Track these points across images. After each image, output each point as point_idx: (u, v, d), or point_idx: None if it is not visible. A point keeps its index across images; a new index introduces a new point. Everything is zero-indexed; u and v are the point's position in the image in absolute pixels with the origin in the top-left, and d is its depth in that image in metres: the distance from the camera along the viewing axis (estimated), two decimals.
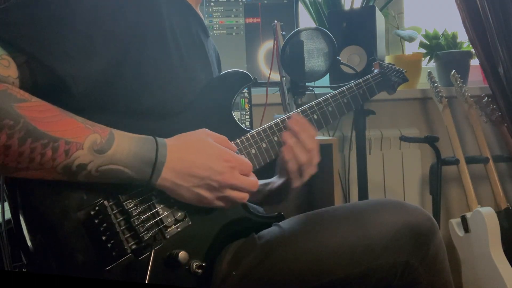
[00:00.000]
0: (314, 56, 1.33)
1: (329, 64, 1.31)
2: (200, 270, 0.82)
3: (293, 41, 1.33)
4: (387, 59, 2.14)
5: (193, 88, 0.91)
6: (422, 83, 2.19)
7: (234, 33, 1.93)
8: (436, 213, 1.88)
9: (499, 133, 2.13)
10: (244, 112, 1.73)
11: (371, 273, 0.86)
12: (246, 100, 1.73)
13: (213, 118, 0.92)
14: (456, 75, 2.02)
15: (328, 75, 1.43)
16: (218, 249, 0.88)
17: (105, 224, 0.76)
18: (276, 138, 0.97)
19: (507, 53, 1.95)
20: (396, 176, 2.10)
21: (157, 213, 0.81)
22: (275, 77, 1.67)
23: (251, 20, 1.93)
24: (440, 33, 2.20)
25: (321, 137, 1.89)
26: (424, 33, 2.21)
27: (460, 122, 2.17)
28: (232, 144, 0.88)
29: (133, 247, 0.78)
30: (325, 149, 1.56)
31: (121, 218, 0.78)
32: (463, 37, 2.17)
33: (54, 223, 0.75)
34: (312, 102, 1.04)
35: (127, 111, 0.82)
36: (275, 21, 1.59)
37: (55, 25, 0.74)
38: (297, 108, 1.07)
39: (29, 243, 0.76)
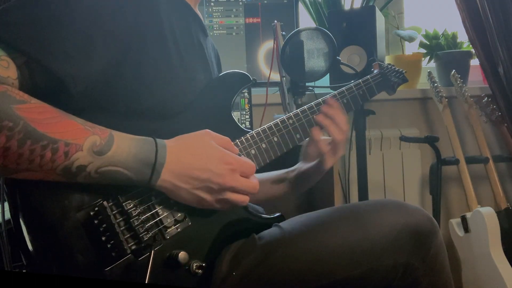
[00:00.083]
0: (314, 56, 1.33)
1: (329, 64, 1.31)
2: (200, 271, 0.82)
3: (293, 41, 1.33)
4: (387, 59, 2.14)
5: (192, 88, 0.91)
6: (422, 83, 2.18)
7: (234, 33, 1.93)
8: (436, 213, 1.88)
9: (499, 133, 2.13)
10: (244, 112, 1.73)
11: (372, 274, 0.86)
12: (246, 100, 1.73)
13: (212, 118, 0.92)
14: (456, 75, 2.02)
15: (328, 75, 1.43)
16: (218, 250, 0.88)
17: (104, 225, 0.76)
18: (276, 139, 0.97)
19: (507, 53, 1.95)
20: (396, 176, 2.10)
21: (157, 214, 0.81)
22: (275, 77, 1.67)
23: (251, 20, 1.93)
24: (440, 33, 2.20)
25: (321, 137, 1.88)
26: (424, 33, 2.21)
27: (460, 122, 2.17)
28: (235, 146, 0.87)
29: (133, 247, 0.78)
30: None
31: (121, 218, 0.78)
32: (463, 37, 2.17)
33: (54, 224, 0.75)
34: (312, 103, 1.04)
35: (127, 111, 0.82)
36: (275, 21, 1.58)
37: (55, 25, 0.74)
38: (297, 109, 1.07)
39: (29, 244, 0.76)
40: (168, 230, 0.82)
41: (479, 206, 1.87)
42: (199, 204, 0.81)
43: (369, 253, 0.86)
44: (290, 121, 1.00)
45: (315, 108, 1.04)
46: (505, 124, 2.05)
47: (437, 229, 0.91)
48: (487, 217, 1.79)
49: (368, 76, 1.15)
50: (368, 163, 1.82)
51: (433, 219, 0.92)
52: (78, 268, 0.75)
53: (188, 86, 0.89)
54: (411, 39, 2.03)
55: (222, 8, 1.92)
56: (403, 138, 1.96)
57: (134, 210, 0.79)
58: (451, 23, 2.24)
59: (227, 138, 0.85)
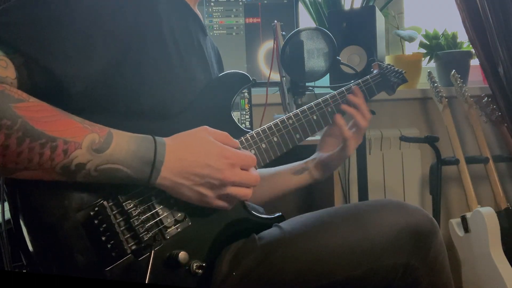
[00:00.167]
0: (314, 56, 1.33)
1: (329, 64, 1.31)
2: (200, 271, 0.82)
3: (293, 41, 1.33)
4: (387, 59, 2.14)
5: (192, 88, 0.91)
6: (422, 83, 2.18)
7: (234, 33, 1.93)
8: (436, 213, 1.88)
9: (499, 133, 2.12)
10: (244, 112, 1.73)
11: (372, 274, 0.86)
12: (246, 100, 1.73)
13: (212, 118, 0.91)
14: (456, 75, 2.02)
15: (328, 75, 1.43)
16: (218, 250, 0.88)
17: (104, 225, 0.76)
18: (275, 139, 0.97)
19: (507, 53, 1.95)
20: (396, 176, 2.10)
21: (157, 214, 0.81)
22: (275, 77, 1.67)
23: (251, 20, 1.93)
24: (440, 33, 2.20)
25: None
26: (424, 33, 2.21)
27: (460, 122, 2.17)
28: (234, 139, 0.87)
29: (133, 247, 0.78)
30: None
31: (121, 218, 0.78)
32: (463, 37, 2.17)
33: (54, 224, 0.75)
34: (312, 103, 1.04)
35: (126, 112, 0.82)
36: (275, 21, 1.59)
37: (54, 25, 0.74)
38: (297, 108, 1.08)
39: (29, 244, 0.75)
40: (168, 230, 0.82)
41: (479, 206, 1.87)
42: (201, 202, 0.81)
43: (369, 253, 0.86)
44: (290, 121, 1.00)
45: (315, 108, 1.04)
46: (505, 124, 2.04)
47: (437, 229, 0.91)
48: (487, 217, 1.79)
49: (368, 77, 1.15)
50: (368, 163, 1.82)
51: (433, 219, 0.92)
52: (78, 268, 0.75)
53: (187, 86, 0.89)
54: (411, 39, 2.03)
55: (222, 8, 1.92)
56: (403, 138, 1.96)
57: (134, 210, 0.79)
58: (451, 23, 2.24)
59: (225, 133, 0.85)
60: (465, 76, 2.15)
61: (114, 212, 0.77)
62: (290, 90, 1.62)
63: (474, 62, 2.18)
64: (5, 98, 0.67)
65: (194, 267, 0.82)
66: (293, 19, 1.93)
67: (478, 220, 1.82)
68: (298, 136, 1.01)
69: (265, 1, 1.93)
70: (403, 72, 1.20)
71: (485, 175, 2.00)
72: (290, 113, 1.01)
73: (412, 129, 2.14)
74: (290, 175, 1.13)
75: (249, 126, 1.72)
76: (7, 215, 0.81)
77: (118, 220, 0.77)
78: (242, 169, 0.83)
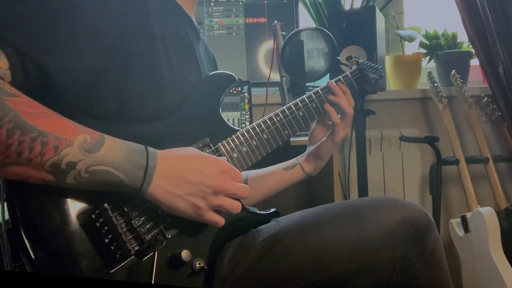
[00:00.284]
0: (314, 56, 1.33)
1: (329, 64, 1.31)
2: (202, 268, 0.82)
3: (293, 41, 1.33)
4: (387, 59, 2.14)
5: (181, 90, 0.91)
6: (422, 83, 2.19)
7: (234, 33, 1.93)
8: (436, 213, 1.88)
9: (499, 133, 2.13)
10: (244, 112, 1.73)
11: (369, 268, 0.87)
12: (246, 100, 1.73)
13: (202, 118, 0.92)
14: (456, 75, 2.02)
15: (328, 75, 1.43)
16: (218, 247, 0.89)
17: (107, 227, 0.76)
18: (265, 136, 0.99)
19: (507, 53, 1.95)
20: (396, 176, 2.10)
21: (157, 214, 0.81)
22: (275, 77, 1.67)
23: (251, 20, 1.93)
24: (440, 33, 2.20)
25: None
26: (424, 33, 2.21)
27: (460, 122, 2.17)
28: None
29: (136, 248, 0.78)
30: None
31: (122, 220, 0.78)
32: (463, 37, 2.17)
33: (55, 230, 0.74)
34: (297, 100, 1.08)
35: (116, 114, 0.82)
36: (275, 21, 1.59)
37: (40, 19, 0.74)
38: None
39: (30, 252, 0.74)
40: (169, 229, 0.82)
41: (479, 206, 1.87)
42: (194, 213, 0.79)
43: (366, 246, 0.87)
44: (277, 118, 1.02)
45: (300, 105, 1.07)
46: (505, 124, 2.05)
47: (433, 224, 0.92)
48: (487, 217, 1.79)
49: (348, 72, 1.17)
50: (368, 163, 1.81)
51: (429, 215, 0.93)
52: (82, 272, 0.75)
53: (176, 88, 0.90)
54: (411, 39, 2.03)
55: (222, 8, 1.92)
56: (403, 138, 1.96)
57: (134, 211, 0.79)
58: (451, 23, 2.24)
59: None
60: (465, 76, 2.15)
61: (115, 214, 0.77)
62: (290, 90, 1.62)
63: (474, 62, 2.18)
64: None
65: (197, 265, 0.82)
66: (293, 19, 1.93)
67: (478, 220, 1.82)
68: (286, 132, 1.03)
69: (265, 1, 1.93)
70: (379, 67, 1.22)
71: (485, 175, 2.00)
72: (277, 111, 1.04)
73: (412, 129, 2.14)
74: (282, 171, 1.15)
75: None
76: (7, 215, 0.81)
77: (119, 222, 0.77)
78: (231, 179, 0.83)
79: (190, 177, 0.78)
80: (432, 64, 2.23)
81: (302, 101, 1.07)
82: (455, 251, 1.92)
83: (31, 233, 0.74)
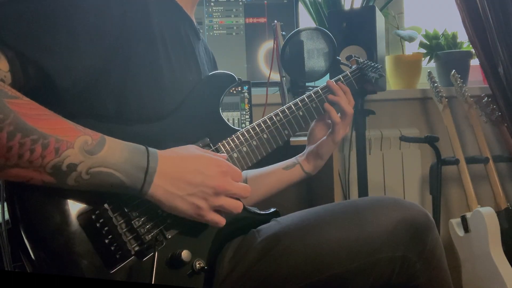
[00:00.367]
0: (314, 56, 1.33)
1: (329, 64, 1.31)
2: (202, 268, 0.82)
3: (293, 41, 1.33)
4: (387, 59, 2.14)
5: (181, 90, 0.91)
6: (422, 83, 2.19)
7: (234, 33, 1.93)
8: (436, 213, 1.88)
9: (499, 133, 2.13)
10: (244, 112, 1.73)
11: (369, 268, 0.87)
12: (246, 100, 1.73)
13: (202, 118, 0.92)
14: (456, 75, 2.02)
15: (328, 75, 1.43)
16: (218, 247, 0.89)
17: (107, 227, 0.76)
18: (265, 136, 0.99)
19: (507, 53, 1.95)
20: (396, 176, 2.10)
21: (156, 214, 0.81)
22: (275, 77, 1.67)
23: (251, 20, 1.93)
24: (440, 33, 2.20)
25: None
26: (424, 33, 2.21)
27: (460, 122, 2.17)
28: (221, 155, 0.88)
29: (136, 248, 0.78)
30: None
31: (122, 220, 0.78)
32: (463, 37, 2.17)
33: (55, 230, 0.74)
34: (297, 99, 1.07)
35: (116, 114, 0.82)
36: (275, 21, 1.59)
37: (41, 20, 0.74)
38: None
39: (31, 253, 0.74)
40: (169, 229, 0.82)
41: (479, 206, 1.87)
42: (196, 214, 0.79)
43: (366, 246, 0.87)
44: (278, 117, 1.02)
45: (300, 104, 1.07)
46: (505, 124, 2.05)
47: (433, 224, 0.92)
48: (487, 217, 1.79)
49: (348, 72, 1.17)
50: (368, 163, 1.81)
51: (429, 214, 0.93)
52: (83, 273, 0.75)
53: (176, 88, 0.90)
54: (411, 39, 2.03)
55: (222, 8, 1.92)
56: (403, 138, 1.96)
57: (134, 211, 0.79)
58: (451, 23, 2.24)
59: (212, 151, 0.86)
60: (465, 76, 2.15)
61: (115, 214, 0.77)
62: (290, 90, 1.62)
63: (474, 62, 2.18)
64: None
65: (197, 266, 0.82)
66: (293, 19, 1.93)
67: (478, 220, 1.82)
68: (286, 132, 1.03)
69: (265, 1, 1.93)
70: (379, 66, 1.22)
71: (485, 175, 2.00)
72: (277, 110, 1.03)
73: (412, 129, 2.14)
74: (282, 171, 1.15)
75: None
76: (7, 215, 0.81)
77: (119, 222, 0.77)
78: (232, 179, 0.83)
79: (191, 178, 0.78)
80: (432, 64, 2.23)
81: (302, 100, 1.07)
82: (455, 251, 1.92)
83: (31, 234, 0.74)
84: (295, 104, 1.06)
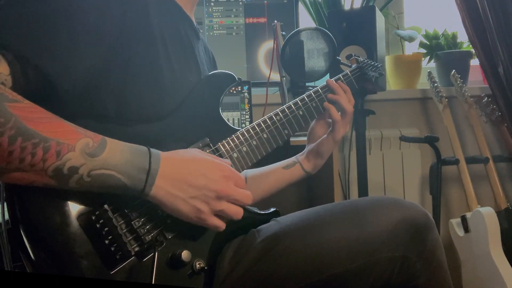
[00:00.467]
0: (314, 56, 1.33)
1: (329, 64, 1.31)
2: (202, 268, 0.83)
3: (293, 41, 1.33)
4: (387, 59, 2.14)
5: (181, 90, 0.91)
6: (422, 83, 2.19)
7: (234, 33, 1.93)
8: (436, 213, 1.88)
9: (499, 133, 2.13)
10: (244, 112, 1.73)
11: (369, 268, 0.87)
12: (246, 100, 1.73)
13: (201, 119, 0.92)
14: (456, 75, 2.02)
15: (328, 75, 1.43)
16: (219, 247, 0.89)
17: (107, 228, 0.76)
18: (265, 135, 0.99)
19: (507, 53, 1.95)
20: (396, 176, 2.10)
21: (157, 215, 0.81)
22: (275, 77, 1.67)
23: (251, 20, 1.93)
24: (440, 33, 2.20)
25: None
26: (424, 33, 2.21)
27: (460, 122, 2.17)
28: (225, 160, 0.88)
29: (136, 249, 0.78)
30: None
31: (122, 221, 0.78)
32: (463, 37, 2.17)
33: (55, 231, 0.74)
34: (296, 99, 1.07)
35: (116, 115, 0.82)
36: (275, 21, 1.59)
37: (40, 23, 0.74)
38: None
39: (31, 254, 0.74)
40: (169, 230, 0.82)
41: (479, 206, 1.87)
42: (197, 217, 0.79)
43: (366, 246, 0.87)
44: (277, 117, 1.02)
45: (300, 104, 1.07)
46: (505, 124, 2.05)
47: (433, 224, 0.92)
48: (487, 217, 1.79)
49: (348, 71, 1.17)
50: (368, 163, 1.81)
51: (429, 214, 0.93)
52: (83, 273, 0.74)
53: (176, 88, 0.90)
54: (411, 39, 2.03)
55: (222, 8, 1.92)
56: (403, 138, 1.96)
57: (134, 212, 0.79)
58: (451, 23, 2.24)
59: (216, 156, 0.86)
60: (465, 76, 2.15)
61: (115, 215, 0.77)
62: (290, 90, 1.63)
63: (474, 62, 2.18)
64: None
65: (197, 266, 0.82)
66: (293, 19, 1.93)
67: (478, 220, 1.82)
68: (286, 131, 1.03)
69: (265, 1, 1.93)
70: (379, 65, 1.22)
71: (485, 175, 2.00)
72: (277, 110, 1.03)
73: (412, 129, 2.14)
74: (282, 170, 1.16)
75: None
76: (7, 215, 0.81)
77: (119, 223, 0.77)
78: (235, 185, 0.83)
79: (193, 181, 0.78)
80: (432, 64, 2.23)
81: (302, 100, 1.07)
82: (455, 251, 1.92)
83: (31, 234, 0.74)
84: (295, 104, 1.06)
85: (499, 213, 1.87)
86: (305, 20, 2.13)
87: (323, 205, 0.97)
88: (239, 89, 1.74)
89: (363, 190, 1.79)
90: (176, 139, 0.86)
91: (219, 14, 1.91)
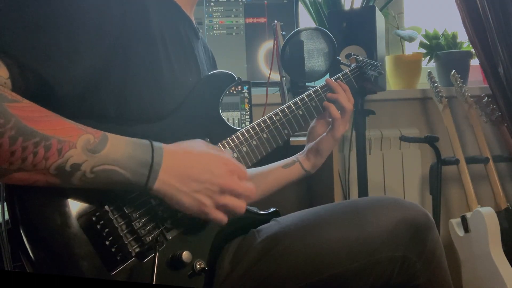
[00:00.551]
0: (314, 56, 1.33)
1: (329, 64, 1.31)
2: (202, 268, 0.82)
3: (293, 41, 1.33)
4: (387, 59, 2.14)
5: (181, 91, 0.91)
6: (422, 83, 2.19)
7: (234, 33, 1.93)
8: (436, 213, 1.88)
9: (499, 133, 2.13)
10: (244, 112, 1.73)
11: (370, 267, 0.87)
12: (246, 100, 1.73)
13: (202, 118, 0.92)
14: (456, 75, 2.02)
15: (328, 75, 1.43)
16: (219, 247, 0.89)
17: (107, 229, 0.76)
18: (265, 135, 0.99)
19: (507, 53, 1.95)
20: (396, 176, 2.10)
21: (157, 215, 0.81)
22: (275, 77, 1.67)
23: (251, 20, 1.93)
24: (440, 33, 2.20)
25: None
26: (424, 33, 2.21)
27: (460, 122, 2.17)
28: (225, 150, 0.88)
29: (137, 250, 0.78)
30: None
31: (123, 222, 0.78)
32: (463, 37, 2.17)
33: (56, 232, 0.74)
34: (296, 99, 1.07)
35: (116, 115, 0.82)
36: (275, 21, 1.59)
37: (39, 29, 0.73)
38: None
39: (31, 254, 0.74)
40: (169, 230, 0.82)
41: (479, 206, 1.87)
42: (199, 211, 0.79)
43: (366, 246, 0.87)
44: (277, 117, 1.02)
45: (300, 104, 1.07)
46: (505, 124, 2.05)
47: (433, 224, 0.92)
48: (487, 217, 1.79)
49: (347, 70, 1.17)
50: (368, 163, 1.82)
51: (429, 214, 0.93)
52: (84, 274, 0.74)
53: (176, 89, 0.89)
54: (411, 39, 2.03)
55: (222, 8, 1.92)
56: (403, 138, 1.96)
57: (134, 213, 0.79)
58: (451, 23, 2.24)
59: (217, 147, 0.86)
60: (465, 76, 2.15)
61: (115, 216, 0.77)
62: (290, 90, 1.63)
63: (474, 62, 2.18)
64: None
65: (197, 267, 0.82)
66: (293, 19, 1.93)
67: (478, 220, 1.82)
68: (286, 131, 1.03)
69: (265, 1, 1.93)
70: (379, 64, 1.22)
71: (485, 175, 2.00)
72: (277, 110, 1.03)
73: (412, 129, 2.14)
74: (281, 169, 1.15)
75: None
76: (7, 215, 0.81)
77: (120, 224, 0.77)
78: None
79: (198, 175, 0.78)
80: (432, 64, 2.23)
81: (302, 99, 1.07)
82: (455, 251, 1.93)
83: (31, 234, 0.74)
84: (295, 103, 1.06)
85: (499, 213, 1.87)
86: (305, 20, 2.13)
87: (323, 205, 0.97)
88: (239, 89, 1.74)
89: (363, 190, 1.79)
90: (176, 139, 0.86)
91: (219, 14, 1.91)
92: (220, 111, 0.96)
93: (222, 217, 0.81)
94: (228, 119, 1.71)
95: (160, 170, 0.75)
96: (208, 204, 0.79)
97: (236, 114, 1.73)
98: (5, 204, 0.78)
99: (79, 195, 0.76)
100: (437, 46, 2.19)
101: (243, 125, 1.72)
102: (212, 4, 1.91)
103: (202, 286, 0.84)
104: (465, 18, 2.00)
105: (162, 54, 0.87)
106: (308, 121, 1.08)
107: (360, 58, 1.22)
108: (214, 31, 1.91)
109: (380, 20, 1.77)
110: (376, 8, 1.73)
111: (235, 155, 0.94)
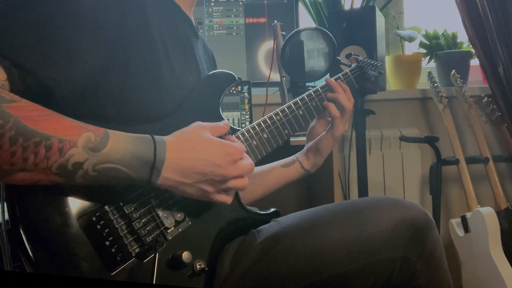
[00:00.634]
0: (314, 56, 1.33)
1: (329, 64, 1.31)
2: (203, 269, 0.82)
3: (293, 41, 1.33)
4: (387, 59, 2.14)
5: (181, 90, 0.91)
6: (422, 83, 2.19)
7: (234, 33, 1.93)
8: (436, 213, 1.88)
9: (499, 133, 2.13)
10: (244, 112, 1.73)
11: (370, 268, 0.87)
12: (246, 100, 1.73)
13: (202, 119, 0.92)
14: (456, 75, 2.02)
15: (328, 75, 1.43)
16: (219, 248, 0.89)
17: (107, 229, 0.76)
18: (265, 135, 0.99)
19: (507, 53, 1.95)
20: (396, 176, 2.10)
21: (157, 216, 0.81)
22: (275, 77, 1.67)
23: (251, 20, 1.93)
24: (440, 33, 2.20)
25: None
26: (424, 33, 2.21)
27: (460, 122, 2.17)
28: (223, 125, 0.87)
29: (137, 250, 0.78)
30: None
31: (123, 222, 0.78)
32: (463, 37, 2.17)
33: (56, 232, 0.74)
34: (296, 98, 1.08)
35: (115, 115, 0.81)
36: (275, 21, 1.59)
37: (38, 31, 0.73)
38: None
39: (30, 254, 0.74)
40: (169, 231, 0.82)
41: (479, 206, 1.87)
42: (202, 196, 0.82)
43: (366, 247, 0.87)
44: (278, 117, 1.02)
45: (300, 104, 1.07)
46: (505, 124, 2.05)
47: (433, 224, 0.92)
48: (487, 217, 1.79)
49: (347, 70, 1.17)
50: (368, 163, 1.81)
51: (429, 214, 0.93)
52: (84, 274, 0.74)
53: (176, 88, 0.89)
54: (411, 39, 2.03)
55: (222, 8, 1.92)
56: (403, 138, 1.96)
57: (135, 213, 0.79)
58: (451, 23, 2.24)
59: (215, 125, 0.85)
60: (465, 76, 2.15)
61: (115, 216, 0.77)
62: (290, 90, 1.63)
63: (474, 62, 2.18)
64: None
65: (197, 267, 0.82)
66: (293, 19, 1.93)
67: (478, 220, 1.82)
68: (286, 131, 1.03)
69: (265, 1, 1.93)
70: (379, 64, 1.22)
71: (485, 175, 2.00)
72: (277, 110, 1.03)
73: (412, 129, 2.14)
74: (281, 168, 1.16)
75: None
76: (7, 215, 0.81)
77: (120, 224, 0.77)
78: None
79: (201, 168, 0.79)
80: (432, 64, 2.23)
81: (302, 99, 1.07)
82: (455, 251, 1.93)
83: (31, 234, 0.74)
84: (295, 103, 1.06)
85: (499, 213, 1.87)
86: (305, 20, 2.13)
87: (323, 205, 0.97)
88: (239, 89, 1.73)
89: (363, 190, 1.79)
90: None
91: (219, 14, 1.91)
92: (220, 111, 0.96)
93: (226, 199, 0.83)
94: (228, 119, 1.71)
95: (163, 168, 0.75)
96: (211, 191, 0.81)
97: (236, 114, 1.73)
98: (5, 204, 0.78)
99: (79, 195, 0.76)
100: (437, 46, 2.19)
101: (243, 125, 1.72)
102: (212, 4, 1.91)
103: (202, 286, 0.84)
104: (465, 18, 2.00)
105: (162, 54, 0.87)
106: (308, 121, 1.08)
107: (360, 58, 1.22)
108: (214, 31, 1.91)
109: (380, 20, 1.77)
110: (376, 8, 1.73)
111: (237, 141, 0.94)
